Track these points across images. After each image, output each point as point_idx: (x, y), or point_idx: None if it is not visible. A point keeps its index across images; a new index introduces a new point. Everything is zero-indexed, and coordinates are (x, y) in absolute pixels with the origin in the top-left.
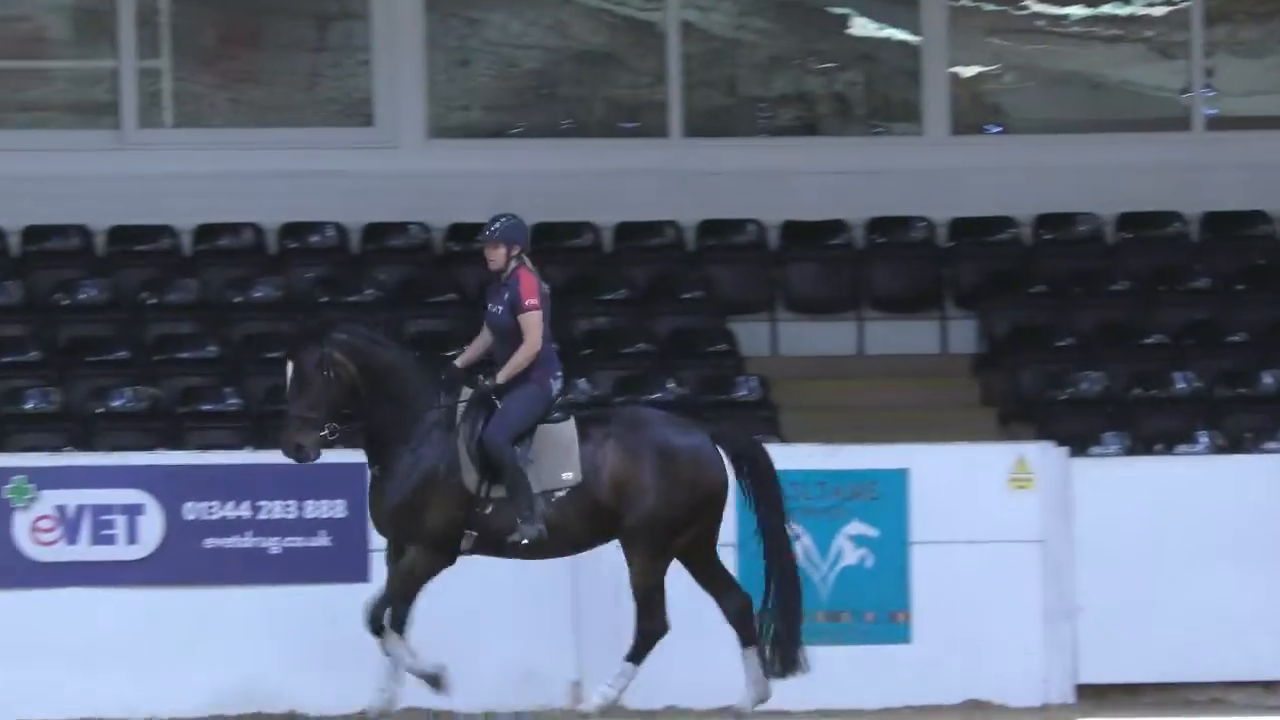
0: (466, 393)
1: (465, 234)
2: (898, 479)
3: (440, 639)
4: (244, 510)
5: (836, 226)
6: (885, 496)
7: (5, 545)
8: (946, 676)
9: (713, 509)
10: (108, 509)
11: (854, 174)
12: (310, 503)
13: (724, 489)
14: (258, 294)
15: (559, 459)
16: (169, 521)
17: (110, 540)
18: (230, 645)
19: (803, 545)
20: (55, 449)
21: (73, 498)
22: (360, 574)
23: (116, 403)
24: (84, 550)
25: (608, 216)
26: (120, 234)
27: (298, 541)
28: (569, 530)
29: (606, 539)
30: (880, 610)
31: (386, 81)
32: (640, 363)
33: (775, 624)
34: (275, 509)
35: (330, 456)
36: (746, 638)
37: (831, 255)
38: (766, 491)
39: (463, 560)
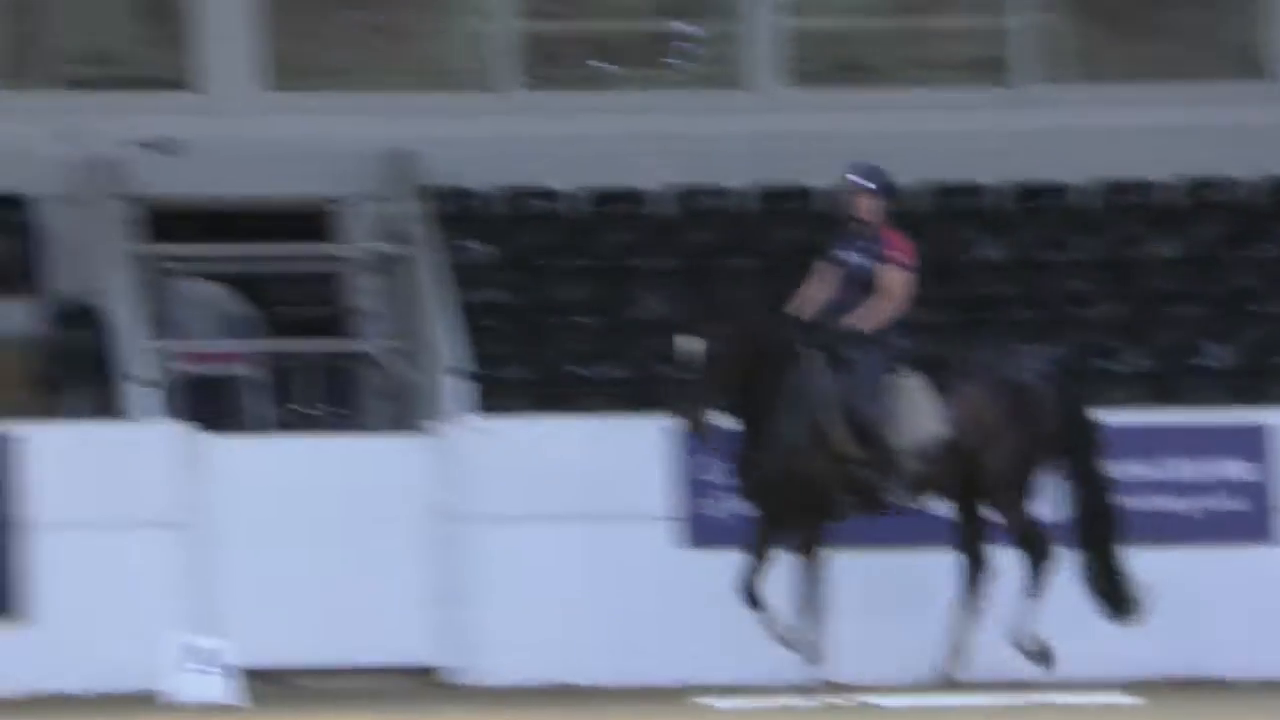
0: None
1: None
2: None
3: None
4: (1149, 470)
5: None
6: None
7: None
8: None
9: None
10: None
11: None
12: (1214, 463)
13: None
14: (1165, 251)
15: (921, 414)
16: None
17: None
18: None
19: None
20: None
21: None
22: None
23: None
24: None
25: None
26: (1017, 191)
27: (1204, 502)
28: (938, 482)
29: (968, 484)
30: None
31: None
32: None
33: (1093, 564)
34: (1183, 469)
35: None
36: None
37: None
38: (1085, 429)
39: None
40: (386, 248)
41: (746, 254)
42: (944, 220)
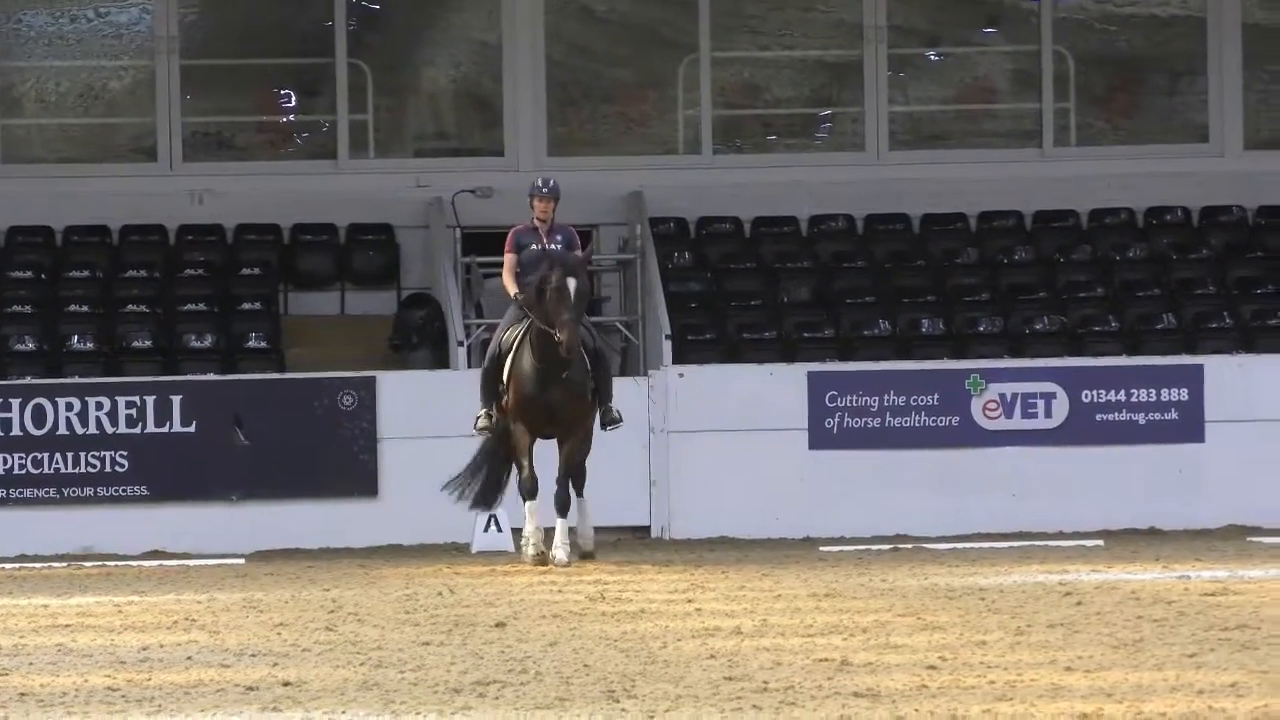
0: None
1: None
2: None
3: None
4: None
5: None
6: None
7: (966, 418)
8: None
9: None
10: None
11: None
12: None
13: None
14: (1131, 254)
15: None
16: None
17: (1034, 415)
18: None
19: None
20: None
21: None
22: None
23: None
24: (1016, 422)
25: None
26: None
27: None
28: None
29: None
30: None
31: None
32: None
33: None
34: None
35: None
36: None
37: None
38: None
39: None
40: (623, 255)
41: (859, 259)
42: (990, 235)
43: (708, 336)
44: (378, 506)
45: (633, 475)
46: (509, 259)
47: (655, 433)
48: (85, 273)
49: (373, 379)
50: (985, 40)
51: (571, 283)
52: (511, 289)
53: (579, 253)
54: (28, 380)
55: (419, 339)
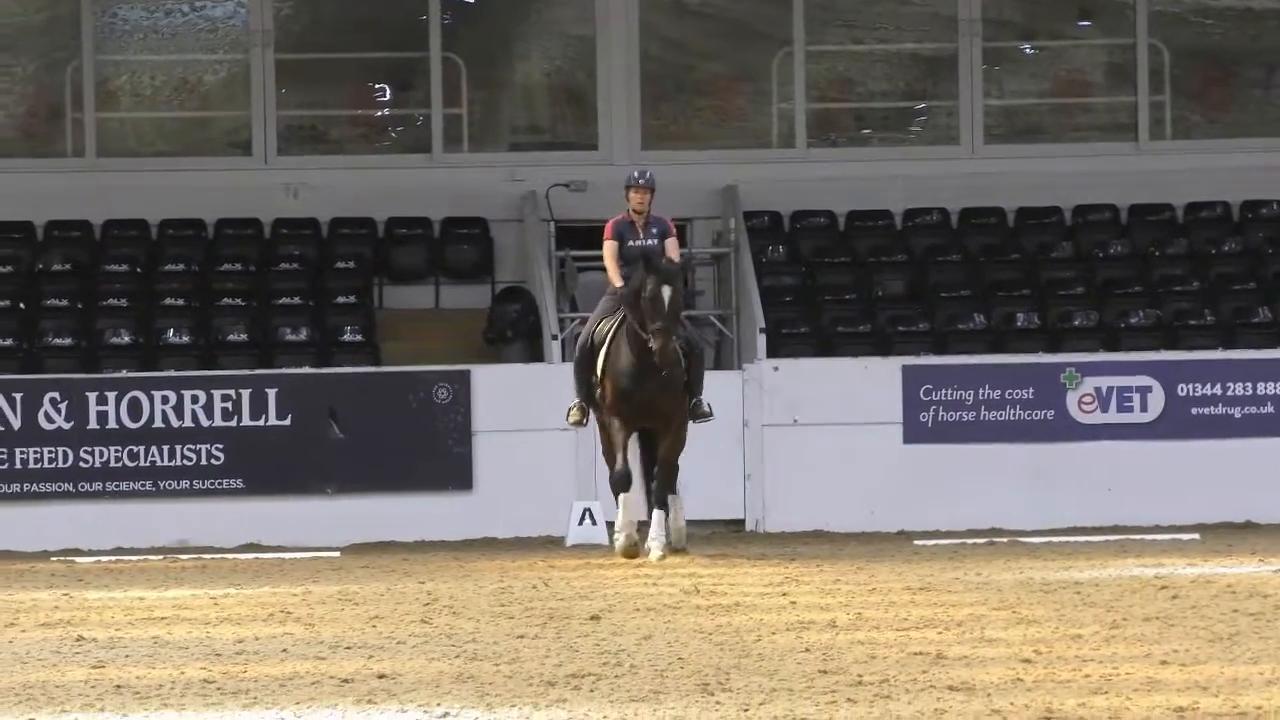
0: None
1: None
2: None
3: None
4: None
5: None
6: None
7: (1061, 412)
8: None
9: None
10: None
11: None
12: None
13: None
14: (1226, 248)
15: None
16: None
17: (1129, 409)
18: None
19: None
20: None
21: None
22: None
23: None
24: (1111, 416)
25: None
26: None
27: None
28: None
29: None
30: None
31: None
32: None
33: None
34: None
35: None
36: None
37: None
38: None
39: None
40: (717, 249)
41: (953, 253)
42: (1085, 229)
43: (802, 330)
44: (472, 499)
45: (727, 469)
46: (610, 245)
47: (749, 426)
48: (181, 266)
49: (467, 372)
50: (1080, 33)
51: (666, 291)
52: (616, 280)
53: (677, 255)
54: (124, 374)
55: (513, 333)
